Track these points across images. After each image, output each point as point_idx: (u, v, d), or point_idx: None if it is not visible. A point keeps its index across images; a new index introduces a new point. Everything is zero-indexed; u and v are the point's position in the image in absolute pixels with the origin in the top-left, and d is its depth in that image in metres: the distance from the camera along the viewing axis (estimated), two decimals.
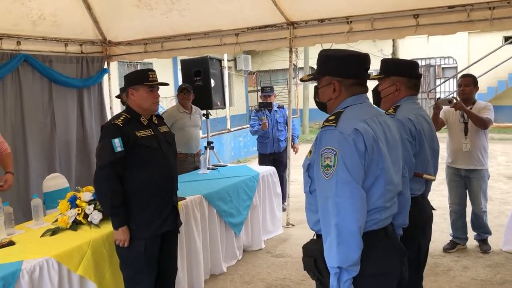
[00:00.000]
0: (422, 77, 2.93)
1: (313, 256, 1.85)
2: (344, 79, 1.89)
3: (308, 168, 1.89)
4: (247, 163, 10.60)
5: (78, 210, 3.15)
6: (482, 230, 4.55)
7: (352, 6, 4.91)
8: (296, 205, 6.32)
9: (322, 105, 2.00)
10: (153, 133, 2.90)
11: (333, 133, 1.78)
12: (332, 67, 1.91)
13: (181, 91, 5.24)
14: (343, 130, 1.77)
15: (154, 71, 2.91)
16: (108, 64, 6.33)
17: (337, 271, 1.70)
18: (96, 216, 3.13)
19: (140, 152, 2.79)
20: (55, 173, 4.72)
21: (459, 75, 14.29)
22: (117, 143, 2.69)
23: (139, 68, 11.84)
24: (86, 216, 3.14)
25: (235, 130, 11.00)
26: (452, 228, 4.63)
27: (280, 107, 6.29)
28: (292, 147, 6.26)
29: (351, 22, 5.00)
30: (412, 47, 15.12)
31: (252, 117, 6.31)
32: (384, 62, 2.70)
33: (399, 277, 1.91)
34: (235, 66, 16.20)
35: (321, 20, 5.15)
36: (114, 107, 6.62)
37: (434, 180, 2.49)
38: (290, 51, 5.56)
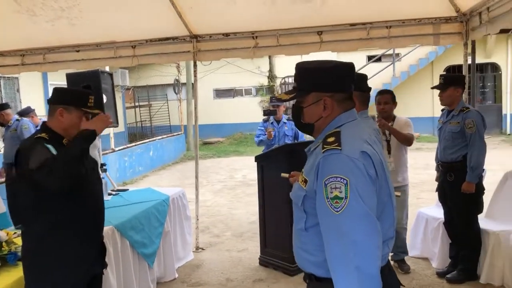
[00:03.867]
0: None
1: None
2: (335, 94, 1.65)
3: (304, 201, 1.61)
4: (135, 184, 9.94)
5: None
6: (401, 250, 4.37)
7: (258, 21, 4.86)
8: (201, 226, 6.03)
9: (308, 126, 1.72)
10: None
11: (339, 158, 1.50)
12: (319, 82, 1.65)
13: None
14: (350, 154, 1.50)
15: (93, 95, 2.49)
16: None
17: None
18: None
19: None
20: None
21: None
22: (51, 148, 2.23)
23: (1, 84, 10.45)
24: None
25: (119, 150, 10.25)
26: None
27: (290, 120, 5.80)
28: None
29: (256, 37, 4.95)
30: (287, 65, 15.78)
31: (258, 128, 5.93)
32: None
33: None
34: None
35: (226, 34, 5.01)
36: None
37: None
38: (195, 65, 5.30)
